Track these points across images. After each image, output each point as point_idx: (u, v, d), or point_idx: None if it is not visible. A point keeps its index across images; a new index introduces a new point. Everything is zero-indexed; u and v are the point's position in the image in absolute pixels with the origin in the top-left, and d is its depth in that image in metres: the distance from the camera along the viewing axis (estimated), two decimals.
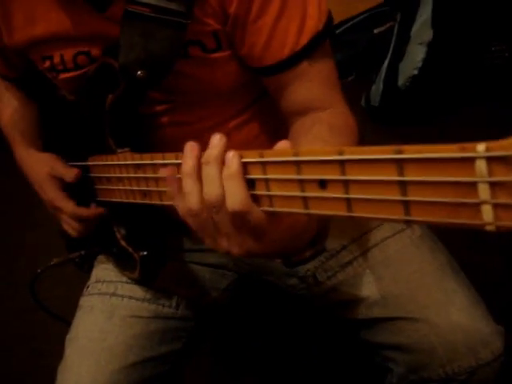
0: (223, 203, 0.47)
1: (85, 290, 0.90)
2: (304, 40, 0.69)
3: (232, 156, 0.48)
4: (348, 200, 0.38)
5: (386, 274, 0.77)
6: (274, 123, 0.82)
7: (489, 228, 0.30)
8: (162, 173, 0.56)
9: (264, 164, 0.45)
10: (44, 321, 1.12)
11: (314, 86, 0.73)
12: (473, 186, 0.31)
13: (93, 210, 0.84)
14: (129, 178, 0.70)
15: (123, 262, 0.85)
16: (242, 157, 0.47)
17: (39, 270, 1.00)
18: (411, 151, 0.33)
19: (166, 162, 0.59)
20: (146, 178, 0.65)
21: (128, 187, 0.71)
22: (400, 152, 0.34)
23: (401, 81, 1.80)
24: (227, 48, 0.72)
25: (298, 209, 0.43)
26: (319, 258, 0.82)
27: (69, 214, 0.84)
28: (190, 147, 0.51)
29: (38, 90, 0.97)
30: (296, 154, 0.42)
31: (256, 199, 0.47)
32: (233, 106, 0.80)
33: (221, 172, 0.48)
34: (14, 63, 0.90)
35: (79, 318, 0.85)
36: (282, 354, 1.12)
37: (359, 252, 0.80)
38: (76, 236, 0.88)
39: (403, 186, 0.34)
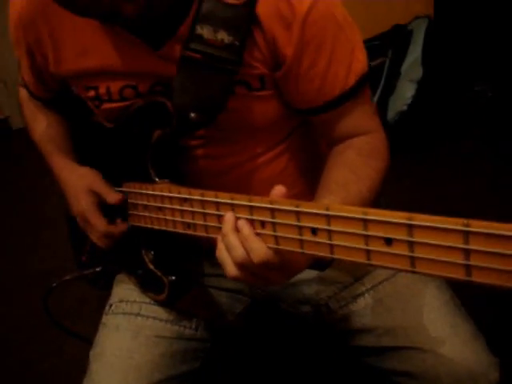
0: (250, 259, 0.58)
1: (107, 308, 0.94)
2: (352, 81, 0.77)
3: (243, 224, 0.59)
4: (412, 258, 0.46)
5: (396, 306, 0.84)
6: (299, 159, 0.90)
7: None
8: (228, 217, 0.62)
9: (329, 217, 0.52)
10: (58, 336, 1.16)
11: (354, 119, 0.81)
12: None
13: (121, 228, 0.88)
14: (172, 209, 0.75)
15: (148, 284, 0.90)
16: (297, 206, 0.55)
17: (54, 284, 1.05)
18: (478, 226, 0.41)
19: (218, 200, 0.65)
20: (193, 212, 0.71)
21: (169, 217, 0.77)
22: (468, 225, 0.41)
23: (390, 115, 1.90)
24: (270, 88, 0.79)
25: (359, 259, 0.50)
26: (332, 288, 0.90)
27: (101, 231, 0.88)
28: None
29: (70, 112, 1.02)
30: (365, 213, 0.48)
31: (315, 245, 0.54)
32: (264, 142, 0.86)
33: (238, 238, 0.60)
34: (51, 88, 0.95)
35: (105, 335, 0.89)
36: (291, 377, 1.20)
37: (371, 285, 0.87)
38: (102, 249, 0.93)
39: (467, 253, 0.42)
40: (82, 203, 0.89)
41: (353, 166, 0.77)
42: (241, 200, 0.62)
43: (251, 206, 0.60)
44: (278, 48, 0.74)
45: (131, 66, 0.80)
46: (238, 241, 0.60)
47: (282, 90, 0.79)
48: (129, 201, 0.86)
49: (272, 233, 0.59)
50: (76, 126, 1.02)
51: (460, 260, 0.42)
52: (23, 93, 1.02)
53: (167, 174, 0.82)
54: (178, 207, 0.74)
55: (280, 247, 0.58)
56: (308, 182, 0.91)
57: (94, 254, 1.05)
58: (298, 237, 0.56)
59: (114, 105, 0.85)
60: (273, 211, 0.58)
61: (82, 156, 1.00)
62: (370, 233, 0.48)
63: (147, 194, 0.81)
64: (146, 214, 0.82)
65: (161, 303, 0.90)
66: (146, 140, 0.80)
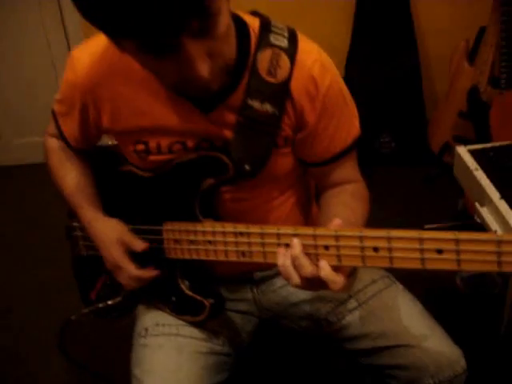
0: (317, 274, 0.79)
1: (143, 332, 1.08)
2: (349, 142, 1.02)
3: (296, 244, 0.81)
4: (458, 261, 0.70)
5: (384, 315, 1.08)
6: (300, 198, 1.13)
7: None
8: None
9: (390, 238, 0.75)
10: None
11: (346, 171, 1.06)
12: None
13: (151, 273, 1.04)
14: (225, 242, 0.94)
15: (183, 308, 1.07)
16: (361, 231, 0.77)
17: (73, 317, 1.17)
18: (509, 239, 0.66)
19: (280, 232, 0.86)
20: (250, 243, 0.91)
21: (221, 248, 0.95)
22: (500, 240, 0.66)
23: None
24: (290, 146, 1.01)
25: (415, 266, 0.73)
26: (330, 305, 1.12)
27: (132, 276, 1.04)
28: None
29: (98, 162, 1.16)
30: (420, 234, 0.72)
31: (376, 259, 0.77)
32: (279, 188, 1.08)
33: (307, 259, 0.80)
34: (91, 141, 1.09)
35: (149, 354, 1.04)
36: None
37: (362, 300, 1.10)
38: (130, 289, 1.08)
39: (499, 254, 0.67)
40: (113, 253, 1.04)
41: (350, 207, 1.00)
42: (305, 230, 0.83)
43: (315, 235, 0.82)
44: (303, 116, 0.97)
45: (182, 125, 0.97)
46: (308, 261, 0.80)
47: (298, 148, 1.02)
48: (172, 238, 1.03)
49: (336, 253, 0.80)
50: (103, 174, 1.16)
51: (494, 258, 0.67)
52: (53, 143, 1.14)
53: (211, 215, 1.00)
54: (233, 239, 0.93)
55: (342, 264, 0.80)
56: (304, 214, 1.15)
57: (105, 292, 1.19)
58: (360, 254, 0.78)
59: (161, 157, 1.01)
60: (337, 237, 0.80)
61: (109, 202, 1.13)
62: (425, 247, 0.72)
63: (195, 230, 0.98)
64: (192, 247, 1.00)
65: (196, 323, 1.07)
66: (195, 187, 0.98)
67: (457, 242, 0.70)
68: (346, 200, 1.02)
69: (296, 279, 0.82)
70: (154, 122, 0.98)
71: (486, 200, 1.21)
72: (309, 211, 1.17)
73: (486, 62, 2.30)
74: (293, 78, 0.94)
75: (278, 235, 0.87)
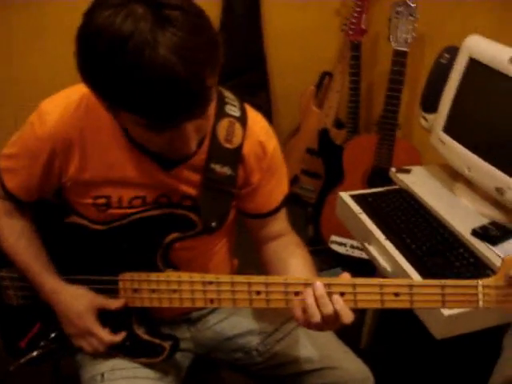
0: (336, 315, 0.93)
1: (97, 377, 1.13)
2: (281, 198, 1.20)
3: (320, 285, 0.94)
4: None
5: (308, 342, 1.26)
6: (231, 245, 1.27)
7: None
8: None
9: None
10: None
11: (282, 222, 1.23)
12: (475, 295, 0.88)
13: (120, 336, 1.12)
14: (192, 290, 1.05)
15: (138, 352, 1.14)
16: (381, 282, 0.93)
17: (11, 368, 1.18)
18: (450, 284, 0.89)
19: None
20: (219, 291, 1.03)
21: (186, 296, 1.05)
22: (444, 285, 0.89)
23: None
24: (235, 200, 1.15)
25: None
26: (260, 337, 1.27)
27: (104, 342, 1.10)
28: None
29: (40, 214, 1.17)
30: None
31: (396, 302, 0.94)
32: (219, 236, 1.21)
33: (328, 299, 0.93)
34: (45, 190, 1.11)
35: None
36: None
37: (288, 331, 1.27)
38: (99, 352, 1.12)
39: (444, 296, 0.89)
40: (86, 321, 1.09)
41: (302, 256, 1.17)
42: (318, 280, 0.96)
43: (329, 284, 0.95)
44: (250, 175, 1.13)
45: (144, 180, 1.06)
46: (329, 299, 0.93)
47: (240, 201, 1.17)
48: (130, 287, 1.10)
49: (353, 298, 0.95)
50: (45, 226, 1.18)
51: (439, 298, 0.90)
52: None
53: (170, 265, 1.10)
54: (201, 288, 1.04)
55: (359, 307, 0.96)
56: (231, 259, 1.31)
57: (38, 339, 1.21)
58: (380, 298, 0.94)
59: (120, 211, 1.08)
60: (354, 286, 0.95)
61: (53, 253, 1.16)
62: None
63: (158, 280, 1.07)
64: (154, 296, 1.08)
65: (148, 364, 1.14)
66: (158, 240, 1.07)
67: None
68: (295, 251, 1.19)
69: (318, 317, 0.93)
70: (120, 175, 1.05)
71: (372, 240, 1.48)
72: (232, 256, 1.32)
73: (331, 107, 2.65)
74: (245, 143, 1.09)
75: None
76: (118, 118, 0.91)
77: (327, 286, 0.95)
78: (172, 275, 1.07)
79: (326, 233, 2.45)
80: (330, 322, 0.95)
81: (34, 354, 1.19)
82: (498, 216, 1.50)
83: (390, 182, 2.22)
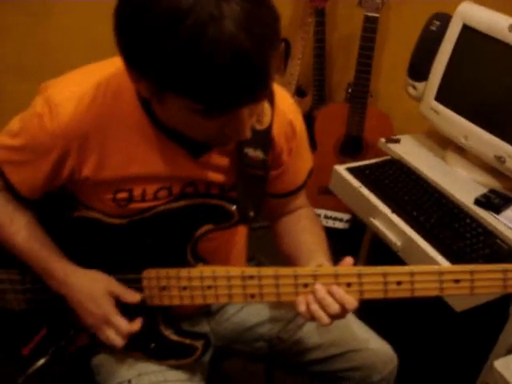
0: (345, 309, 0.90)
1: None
2: (306, 175, 1.14)
3: (336, 288, 0.90)
4: (472, 288, 0.88)
5: (330, 327, 1.22)
6: (246, 232, 1.21)
7: None
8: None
9: (413, 273, 0.90)
10: None
11: (301, 198, 1.17)
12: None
13: (139, 324, 1.00)
14: (229, 286, 0.97)
15: (166, 353, 1.06)
16: (384, 270, 0.90)
17: (20, 381, 1.07)
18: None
19: (297, 273, 0.94)
20: (261, 285, 0.96)
21: (223, 292, 0.98)
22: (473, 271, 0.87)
23: None
24: None
25: (434, 293, 0.90)
26: (280, 324, 1.22)
27: (122, 332, 0.98)
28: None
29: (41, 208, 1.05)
30: (440, 269, 0.89)
31: (398, 291, 0.91)
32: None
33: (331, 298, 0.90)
34: (51, 188, 0.99)
35: None
36: None
37: None
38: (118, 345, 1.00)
39: (473, 282, 0.87)
40: (103, 307, 0.97)
41: (312, 231, 1.12)
42: (326, 271, 0.92)
43: (336, 275, 0.92)
44: (280, 156, 1.05)
45: (171, 171, 0.96)
46: (333, 299, 0.90)
47: (269, 183, 1.09)
48: (156, 285, 1.01)
49: (358, 288, 0.92)
50: (49, 222, 1.05)
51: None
52: None
53: (202, 259, 1.02)
54: (240, 283, 0.97)
55: (365, 298, 0.92)
56: (246, 246, 1.24)
57: (43, 346, 1.10)
58: (383, 287, 0.91)
59: (143, 204, 0.98)
60: (360, 275, 0.91)
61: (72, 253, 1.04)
62: (444, 278, 0.89)
63: (190, 276, 0.99)
64: (185, 294, 1.00)
65: (176, 366, 1.07)
66: (189, 233, 0.98)
67: (471, 274, 0.88)
68: (307, 225, 1.13)
69: (325, 319, 0.91)
70: (145, 169, 0.95)
71: (377, 215, 1.45)
72: (246, 242, 1.25)
73: (292, 75, 2.58)
74: (274, 123, 1.01)
75: (296, 277, 0.94)
76: (159, 104, 0.80)
77: (335, 276, 0.91)
78: (205, 270, 0.98)
79: None
80: (338, 316, 0.91)
81: (42, 361, 1.09)
82: (495, 184, 1.51)
83: (361, 150, 2.22)
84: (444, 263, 1.25)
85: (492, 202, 1.42)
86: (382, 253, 1.51)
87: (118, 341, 0.98)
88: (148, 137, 0.92)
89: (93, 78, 0.91)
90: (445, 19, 1.56)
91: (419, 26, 1.62)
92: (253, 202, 0.99)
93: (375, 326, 1.25)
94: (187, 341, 1.05)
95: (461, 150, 1.61)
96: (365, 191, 1.50)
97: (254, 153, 0.99)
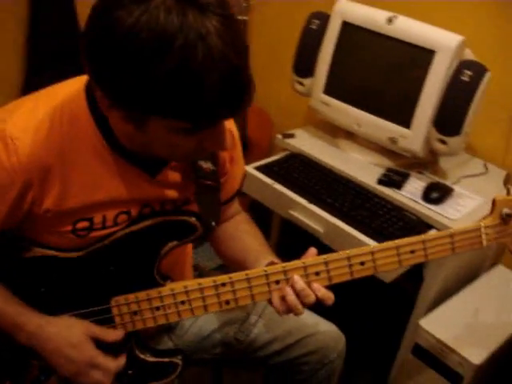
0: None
1: None
2: (242, 177, 1.18)
3: (298, 278, 0.94)
4: (426, 255, 1.00)
5: (281, 319, 1.29)
6: None
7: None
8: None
9: (373, 252, 0.99)
10: None
11: (236, 204, 1.21)
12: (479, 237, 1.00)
13: (124, 358, 0.99)
14: (203, 297, 0.99)
15: (144, 377, 1.04)
16: (348, 253, 0.97)
17: None
18: (458, 232, 1.00)
19: (268, 272, 0.98)
20: (234, 290, 0.99)
21: (197, 304, 0.99)
22: (453, 234, 0.99)
23: None
24: None
25: (395, 266, 1.00)
26: (235, 326, 1.26)
27: (113, 371, 0.96)
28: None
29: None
30: (397, 244, 0.99)
31: (363, 271, 0.99)
32: None
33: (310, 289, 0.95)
34: (9, 224, 0.92)
35: None
36: None
37: (259, 313, 1.28)
38: None
39: (453, 243, 1.00)
40: (85, 352, 0.94)
41: (252, 234, 1.17)
42: (294, 265, 0.98)
43: (305, 266, 0.98)
44: (224, 166, 1.09)
45: (131, 194, 0.95)
46: (311, 291, 0.95)
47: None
48: (127, 311, 0.99)
49: (327, 275, 0.98)
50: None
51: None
52: None
53: (168, 276, 1.02)
54: (213, 292, 0.99)
55: (333, 283, 0.99)
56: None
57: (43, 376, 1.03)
58: (349, 270, 0.99)
59: (104, 232, 0.96)
60: (327, 263, 0.98)
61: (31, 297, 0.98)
62: (401, 251, 0.99)
63: (161, 296, 0.99)
64: (159, 314, 0.99)
65: None
66: (154, 252, 0.98)
67: (424, 243, 0.99)
68: (247, 229, 1.18)
69: (301, 309, 0.96)
70: (108, 195, 0.93)
71: (296, 207, 1.53)
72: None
73: None
74: None
75: (267, 276, 0.98)
76: (136, 130, 0.80)
77: (304, 268, 0.96)
78: (176, 287, 0.99)
79: None
80: (310, 307, 0.97)
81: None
82: (389, 163, 1.67)
83: (246, 150, 2.28)
84: (369, 242, 1.37)
85: (392, 179, 1.57)
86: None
87: (106, 381, 0.96)
88: (107, 161, 0.91)
89: (44, 104, 0.87)
90: (323, 17, 1.68)
91: (283, 26, 1.70)
92: (213, 212, 1.02)
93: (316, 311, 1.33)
94: (166, 359, 1.04)
95: (350, 136, 1.75)
96: (279, 187, 1.57)
97: (206, 165, 1.01)
